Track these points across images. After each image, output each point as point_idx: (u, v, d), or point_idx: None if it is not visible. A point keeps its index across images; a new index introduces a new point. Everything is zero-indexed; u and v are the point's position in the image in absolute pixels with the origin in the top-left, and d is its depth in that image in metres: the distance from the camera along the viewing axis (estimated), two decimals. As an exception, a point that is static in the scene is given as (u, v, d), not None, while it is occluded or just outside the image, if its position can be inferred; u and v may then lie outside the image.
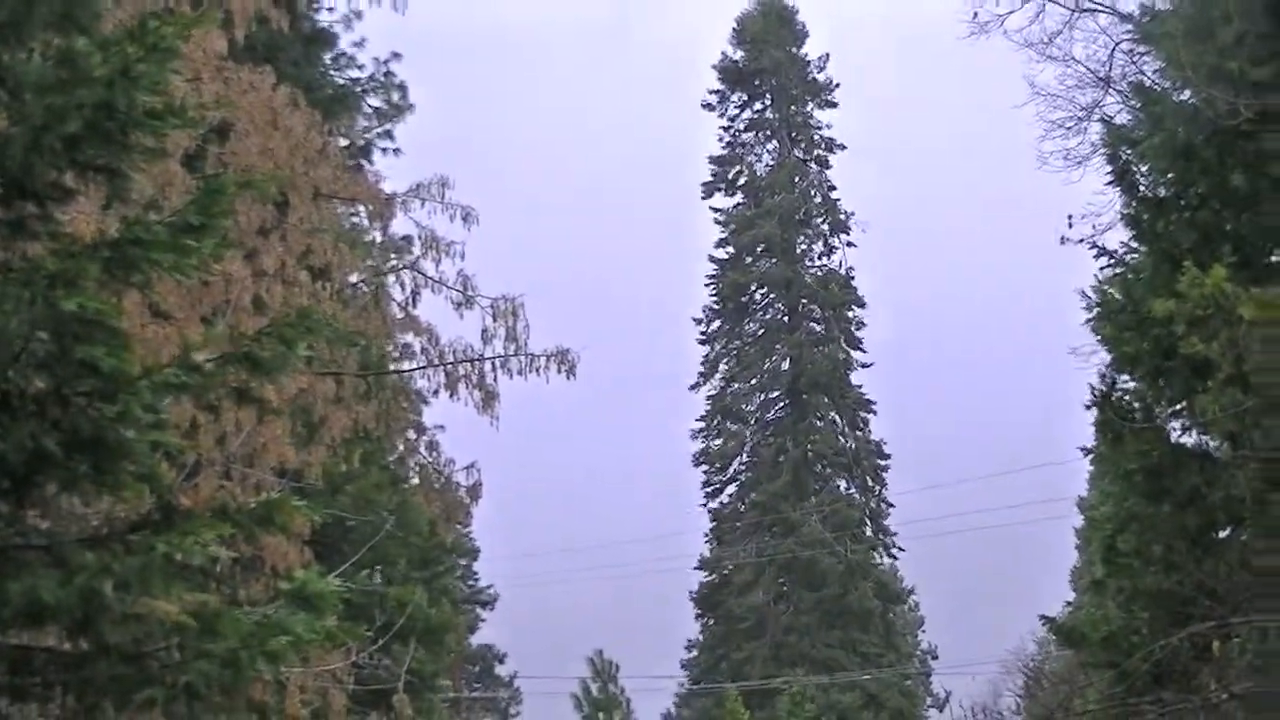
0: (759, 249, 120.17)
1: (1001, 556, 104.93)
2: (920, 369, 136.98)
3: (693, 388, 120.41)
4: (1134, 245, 41.15)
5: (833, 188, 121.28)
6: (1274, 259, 34.87)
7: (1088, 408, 42.39)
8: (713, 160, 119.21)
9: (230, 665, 20.47)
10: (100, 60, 20.02)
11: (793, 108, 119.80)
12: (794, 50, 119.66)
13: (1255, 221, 37.09)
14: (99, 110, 19.93)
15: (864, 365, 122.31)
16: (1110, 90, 43.55)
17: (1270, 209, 36.76)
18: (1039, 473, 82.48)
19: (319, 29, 49.13)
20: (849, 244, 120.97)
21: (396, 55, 56.03)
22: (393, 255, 32.69)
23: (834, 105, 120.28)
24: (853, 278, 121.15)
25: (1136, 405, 40.71)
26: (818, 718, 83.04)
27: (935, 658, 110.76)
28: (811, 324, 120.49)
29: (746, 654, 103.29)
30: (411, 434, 34.93)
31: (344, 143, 39.43)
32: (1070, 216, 42.29)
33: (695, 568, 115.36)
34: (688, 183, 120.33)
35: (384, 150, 53.12)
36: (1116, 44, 43.94)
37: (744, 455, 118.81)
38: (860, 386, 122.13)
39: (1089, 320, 41.58)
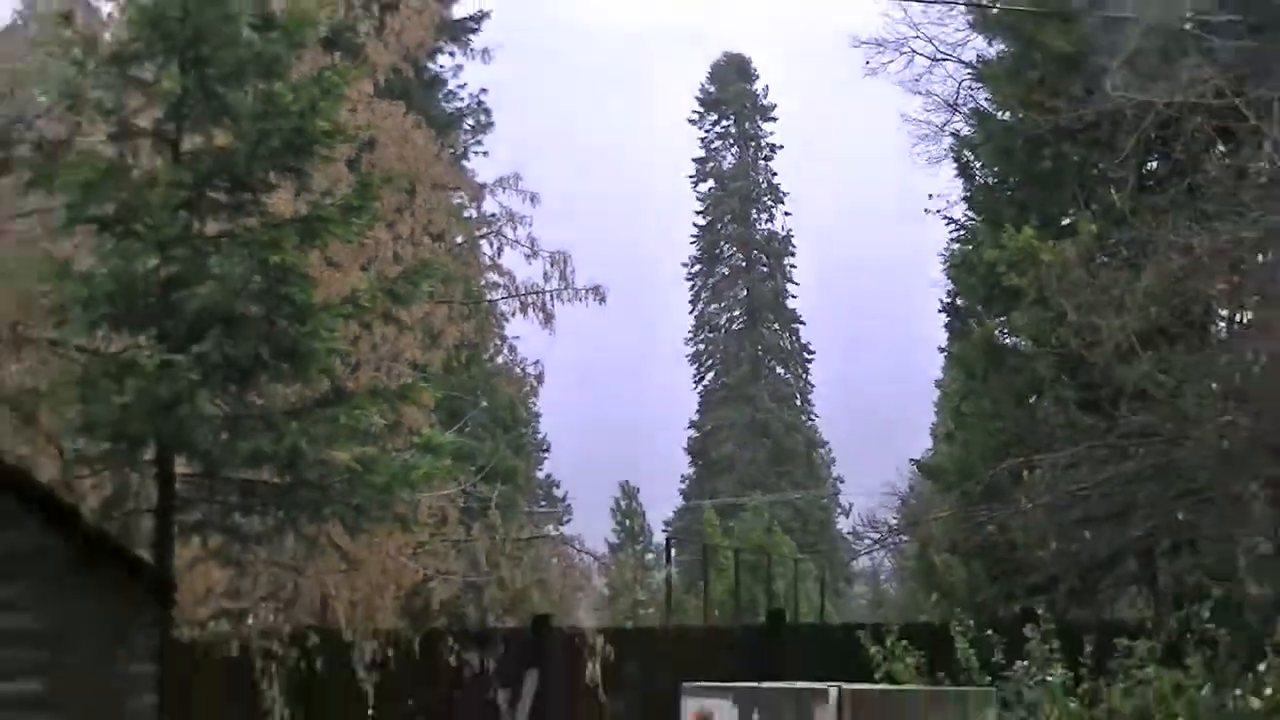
0: (726, 218, 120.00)
1: (890, 417, 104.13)
2: (835, 295, 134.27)
3: (688, 313, 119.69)
4: (971, 215, 42.09)
5: (774, 174, 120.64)
6: (1064, 222, 35.50)
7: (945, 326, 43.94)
8: (695, 160, 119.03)
9: (384, 492, 21.70)
10: (292, 99, 21.17)
11: (747, 124, 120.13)
12: (747, 86, 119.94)
13: (1052, 197, 37.83)
14: (292, 133, 21.16)
15: (793, 296, 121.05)
16: (956, 112, 43.98)
17: (1061, 190, 37.47)
18: (909, 359, 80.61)
19: (434, 75, 50.07)
20: (786, 214, 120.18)
21: (484, 90, 57.40)
22: (484, 225, 33.46)
23: (774, 119, 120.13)
24: (791, 237, 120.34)
25: (973, 320, 41.70)
26: (770, 522, 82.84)
27: (843, 482, 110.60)
28: (760, 267, 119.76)
29: (720, 483, 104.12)
30: (498, 342, 35.45)
31: (451, 150, 40.02)
32: (930, 196, 43.10)
33: (687, 428, 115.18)
34: (680, 174, 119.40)
35: (477, 153, 54.05)
36: (960, 83, 44.23)
37: (719, 353, 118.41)
38: (794, 309, 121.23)
39: (944, 267, 42.73)
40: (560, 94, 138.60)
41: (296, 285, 20.67)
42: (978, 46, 44.35)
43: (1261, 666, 22.15)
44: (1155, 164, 34.69)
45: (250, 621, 27.78)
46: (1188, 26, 29.03)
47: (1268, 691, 21.83)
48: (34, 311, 22.44)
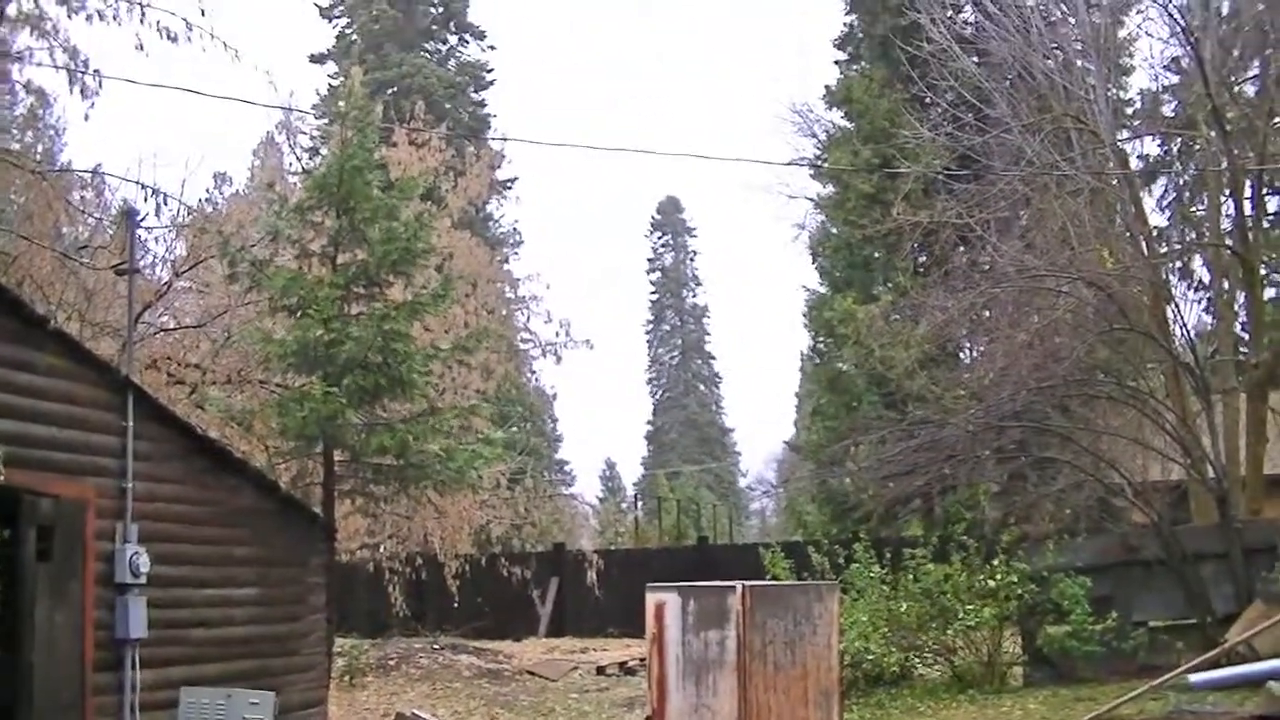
0: (668, 295, 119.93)
1: (771, 414, 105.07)
2: (739, 339, 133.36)
3: (645, 354, 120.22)
4: (818, 289, 42.32)
5: (696, 266, 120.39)
6: (873, 293, 35.69)
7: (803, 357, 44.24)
8: (648, 259, 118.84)
9: (460, 469, 21.79)
10: (404, 230, 21.56)
11: (679, 236, 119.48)
12: (679, 215, 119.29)
13: (864, 278, 38.05)
14: (404, 250, 21.50)
15: (709, 342, 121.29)
16: (804, 229, 44.32)
17: (869, 274, 37.64)
18: (783, 376, 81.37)
19: (488, 213, 50.35)
20: (704, 291, 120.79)
21: (517, 220, 58.32)
22: (519, 303, 33.91)
23: (695, 236, 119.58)
24: (707, 307, 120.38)
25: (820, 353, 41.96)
26: (698, 483, 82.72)
27: (741, 456, 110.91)
28: (689, 325, 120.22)
29: (667, 459, 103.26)
30: (529, 374, 35.86)
31: (499, 258, 40.32)
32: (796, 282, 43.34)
33: (646, 424, 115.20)
34: (639, 270, 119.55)
35: (515, 257, 54.47)
36: (806, 211, 44.57)
37: (665, 378, 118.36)
38: (709, 350, 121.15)
39: (804, 320, 42.97)
40: (565, 223, 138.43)
41: (403, 343, 21.00)
42: (818, 189, 44.84)
43: (994, 562, 22.50)
44: (924, 258, 35.00)
45: (381, 550, 28.24)
46: (940, 176, 29.32)
47: (997, 576, 22.20)
48: (251, 362, 22.96)
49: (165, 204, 23.42)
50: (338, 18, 59.99)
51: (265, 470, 20.35)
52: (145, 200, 22.71)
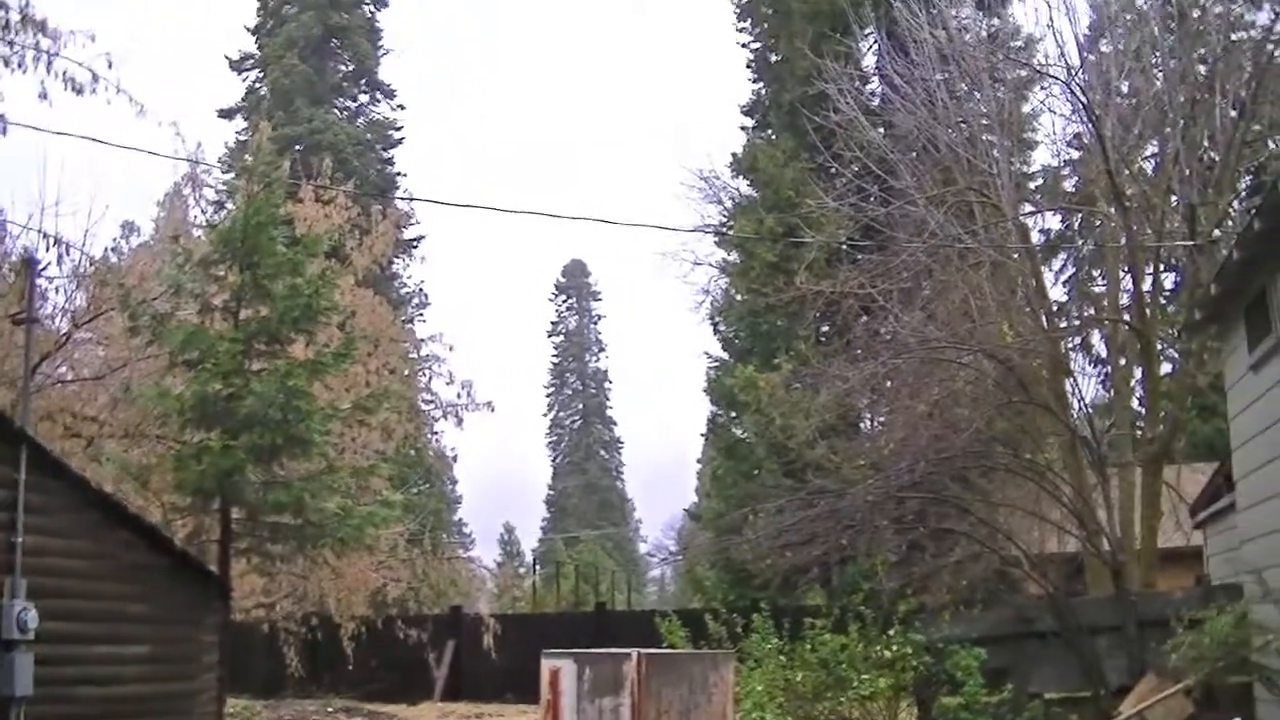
0: (570, 358, 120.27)
1: (670, 482, 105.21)
2: (640, 406, 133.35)
3: (544, 415, 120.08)
4: (719, 356, 42.38)
5: (600, 331, 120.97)
6: (774, 362, 35.71)
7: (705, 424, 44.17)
8: (552, 322, 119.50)
9: (357, 530, 21.76)
10: (307, 287, 21.43)
11: (583, 301, 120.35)
12: (585, 279, 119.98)
13: (766, 347, 38.15)
14: (306, 307, 21.38)
15: (610, 407, 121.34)
16: (709, 295, 44.36)
17: (771, 343, 37.71)
18: (683, 444, 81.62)
19: (393, 272, 50.12)
20: (605, 356, 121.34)
21: (423, 280, 58.18)
22: (421, 363, 33.84)
23: (600, 300, 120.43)
24: (608, 371, 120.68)
25: (720, 421, 41.97)
26: (596, 548, 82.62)
27: (641, 522, 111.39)
28: (590, 389, 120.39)
29: (566, 524, 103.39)
30: (429, 435, 35.64)
31: (402, 318, 40.16)
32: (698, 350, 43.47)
33: (546, 489, 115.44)
34: (542, 331, 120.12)
35: (419, 319, 54.31)
36: (710, 278, 44.71)
37: (565, 442, 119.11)
38: (610, 415, 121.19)
39: (704, 388, 42.94)
40: (470, 284, 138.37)
41: (304, 401, 20.87)
42: (721, 256, 44.96)
43: (891, 633, 22.50)
44: (826, 327, 35.17)
45: (277, 609, 27.94)
46: (844, 246, 29.51)
47: (894, 646, 22.19)
48: (149, 417, 22.69)
49: (67, 253, 23.25)
50: (248, 70, 59.73)
51: (161, 526, 20.10)
52: (47, 249, 22.53)
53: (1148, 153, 29.02)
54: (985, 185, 26.46)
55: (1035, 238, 29.59)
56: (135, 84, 20.16)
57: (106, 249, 26.33)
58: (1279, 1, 27.98)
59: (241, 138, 55.16)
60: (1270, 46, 27.08)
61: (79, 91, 19.71)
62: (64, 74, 19.80)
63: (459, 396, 32.20)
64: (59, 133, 17.94)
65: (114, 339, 24.75)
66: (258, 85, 59.36)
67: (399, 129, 62.49)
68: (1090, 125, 26.10)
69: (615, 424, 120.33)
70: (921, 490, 25.04)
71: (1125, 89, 27.80)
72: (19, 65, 19.92)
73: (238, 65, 60.03)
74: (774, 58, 43.64)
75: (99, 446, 22.70)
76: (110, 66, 19.83)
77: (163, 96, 22.16)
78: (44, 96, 19.89)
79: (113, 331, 24.79)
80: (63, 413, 23.44)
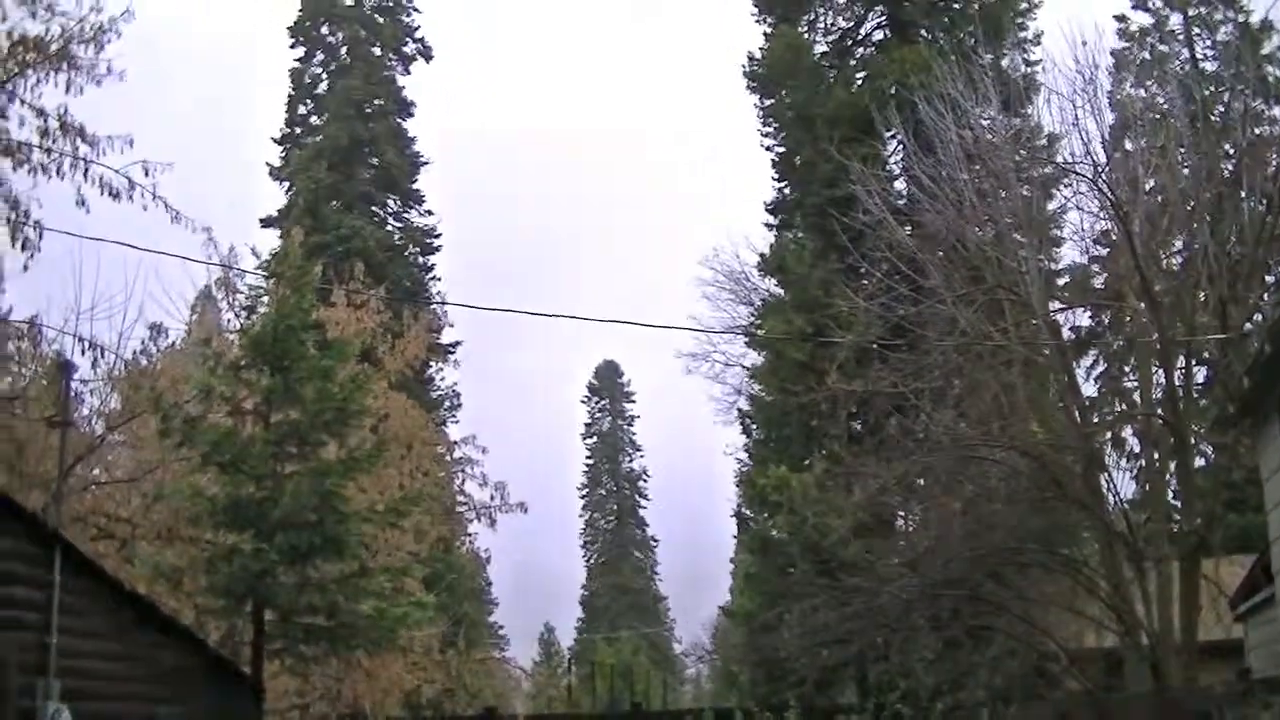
0: (604, 460, 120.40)
1: (704, 581, 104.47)
2: (672, 507, 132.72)
3: (579, 516, 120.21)
4: (750, 456, 42.18)
5: (635, 432, 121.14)
6: (805, 461, 35.58)
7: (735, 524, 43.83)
8: (585, 424, 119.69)
9: (391, 632, 21.74)
10: (339, 392, 21.41)
11: (616, 403, 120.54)
12: (618, 380, 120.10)
13: (798, 446, 38.04)
14: (338, 412, 21.39)
15: (643, 508, 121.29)
16: (740, 395, 44.28)
17: (803, 442, 37.62)
18: (717, 544, 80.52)
19: (428, 375, 50.09)
20: (641, 457, 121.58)
21: (457, 384, 58.25)
22: (455, 465, 33.72)
23: (634, 400, 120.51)
24: (645, 471, 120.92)
25: (752, 521, 41.69)
26: (634, 648, 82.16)
27: (675, 622, 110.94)
28: (625, 490, 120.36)
29: (600, 624, 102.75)
30: (464, 537, 35.62)
31: (436, 420, 40.13)
32: (726, 445, 43.33)
33: (581, 589, 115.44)
34: (576, 434, 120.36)
35: (453, 421, 54.27)
36: (742, 380, 44.60)
37: (599, 542, 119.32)
38: (644, 516, 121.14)
39: (735, 487, 42.62)
40: (507, 385, 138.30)
41: (337, 502, 20.86)
42: (751, 356, 44.87)
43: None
44: (858, 426, 34.89)
45: (310, 710, 27.67)
46: (874, 345, 29.32)
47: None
48: (181, 518, 22.54)
49: (101, 357, 23.23)
50: (284, 180, 59.95)
51: (193, 628, 19.96)
52: (81, 353, 22.53)
53: (1176, 248, 28.81)
54: (1014, 283, 26.26)
55: (1065, 335, 29.32)
56: (171, 189, 20.28)
57: (135, 352, 26.22)
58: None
59: (274, 246, 55.41)
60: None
61: (115, 197, 19.90)
62: (100, 179, 19.98)
63: (492, 498, 32.16)
64: (94, 239, 17.96)
65: (146, 441, 24.69)
66: (290, 191, 59.52)
67: (436, 234, 62.74)
68: (1118, 222, 25.93)
69: (648, 524, 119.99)
70: (957, 587, 24.78)
71: (1151, 185, 27.67)
72: (57, 172, 20.11)
73: (278, 173, 60.28)
74: (798, 159, 43.55)
75: (132, 548, 22.63)
76: (147, 174, 19.99)
77: (200, 204, 22.31)
78: (81, 203, 20.07)
79: (145, 434, 24.73)
80: (96, 514, 23.39)
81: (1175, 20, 53.92)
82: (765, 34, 45.70)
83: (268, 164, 60.36)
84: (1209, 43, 53.33)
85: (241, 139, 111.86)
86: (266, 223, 56.50)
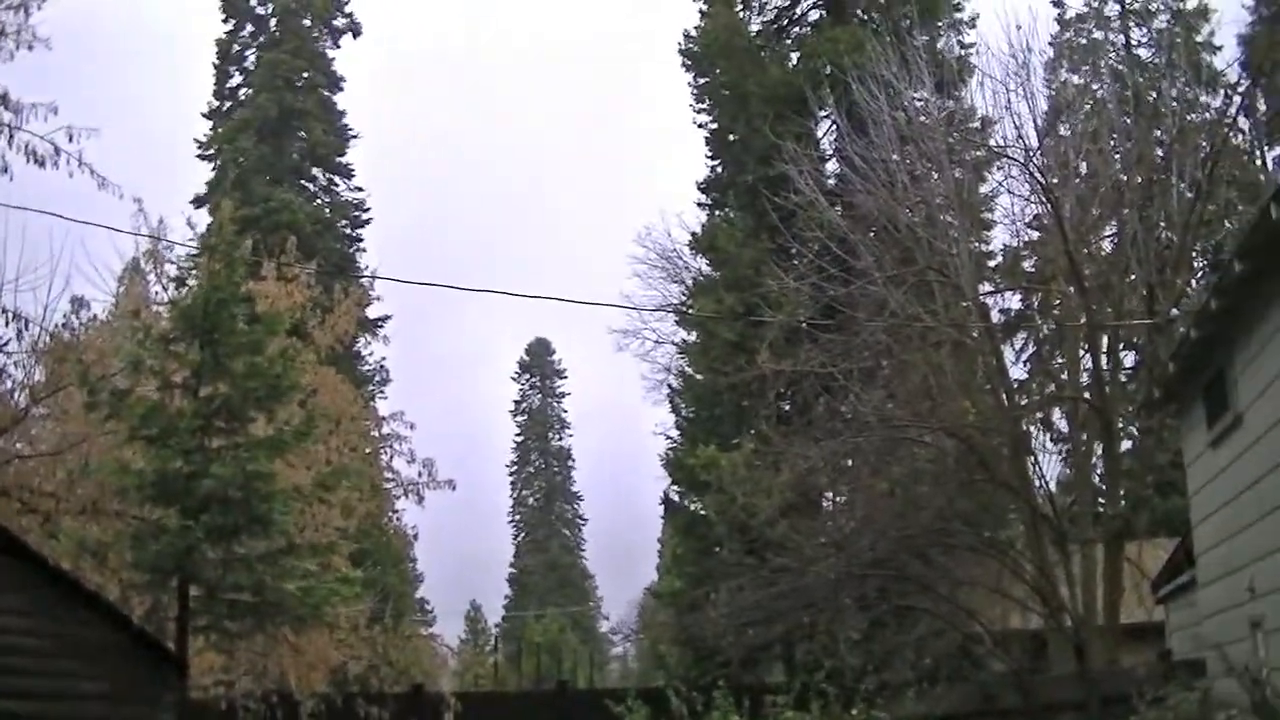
0: (533, 438, 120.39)
1: (631, 559, 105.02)
2: (599, 485, 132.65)
3: (509, 495, 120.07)
4: (679, 436, 42.21)
5: (565, 409, 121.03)
6: (734, 441, 35.66)
7: (662, 504, 43.97)
8: (514, 401, 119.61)
9: (317, 608, 21.70)
10: (268, 366, 21.36)
11: (547, 381, 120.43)
12: (548, 358, 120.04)
13: (726, 426, 38.18)
14: (267, 387, 21.33)
15: (572, 486, 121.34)
16: (669, 373, 44.31)
17: (732, 422, 37.76)
18: (643, 523, 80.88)
19: (355, 351, 49.77)
20: (570, 435, 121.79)
21: (384, 358, 58.14)
22: (383, 441, 33.62)
23: (565, 378, 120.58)
24: (571, 450, 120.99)
25: (680, 500, 41.87)
26: (559, 626, 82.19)
27: (603, 600, 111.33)
28: (554, 468, 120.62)
29: (528, 601, 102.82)
30: (391, 513, 35.51)
31: (364, 396, 40.00)
32: (655, 424, 43.51)
33: (508, 567, 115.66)
34: (505, 411, 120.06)
35: (381, 397, 54.17)
36: (672, 356, 44.70)
37: (527, 520, 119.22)
38: (575, 491, 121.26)
39: (663, 466, 42.62)
40: (436, 363, 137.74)
41: (264, 480, 20.84)
42: (682, 335, 44.91)
43: (854, 710, 22.37)
44: (787, 406, 35.06)
45: (236, 687, 27.59)
46: (804, 325, 29.47)
47: (856, 724, 22.08)
48: (107, 493, 22.44)
49: (26, 329, 23.03)
50: (212, 155, 59.38)
51: (118, 604, 19.89)
52: (5, 325, 22.35)
53: (1106, 233, 29.17)
54: (945, 265, 26.55)
55: (995, 317, 29.66)
56: (98, 161, 20.14)
57: (58, 325, 25.98)
58: (1232, 85, 28.27)
59: (207, 218, 54.91)
60: (1224, 128, 27.35)
61: (40, 164, 19.72)
62: (26, 146, 19.81)
63: (420, 475, 32.07)
64: (18, 207, 17.89)
65: (72, 415, 24.47)
66: (218, 165, 59.01)
67: (365, 209, 62.39)
68: (1049, 206, 26.27)
69: (580, 500, 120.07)
70: (884, 568, 25.06)
71: (1083, 170, 28.00)
72: (-21, 138, 19.94)
73: (204, 149, 59.72)
74: (731, 138, 43.55)
75: (56, 523, 22.43)
76: (71, 139, 19.82)
77: (128, 177, 22.15)
78: (4, 170, 19.89)
79: (71, 407, 24.52)
80: (20, 489, 23.15)
81: (1112, 8, 54.62)
82: (701, 11, 45.73)
83: (195, 140, 59.83)
84: (1144, 30, 54.06)
85: (172, 112, 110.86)
86: (198, 201, 55.77)
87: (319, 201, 61.49)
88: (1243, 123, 37.39)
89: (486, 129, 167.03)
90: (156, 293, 27.92)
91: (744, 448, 33.56)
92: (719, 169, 44.96)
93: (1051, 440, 33.36)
